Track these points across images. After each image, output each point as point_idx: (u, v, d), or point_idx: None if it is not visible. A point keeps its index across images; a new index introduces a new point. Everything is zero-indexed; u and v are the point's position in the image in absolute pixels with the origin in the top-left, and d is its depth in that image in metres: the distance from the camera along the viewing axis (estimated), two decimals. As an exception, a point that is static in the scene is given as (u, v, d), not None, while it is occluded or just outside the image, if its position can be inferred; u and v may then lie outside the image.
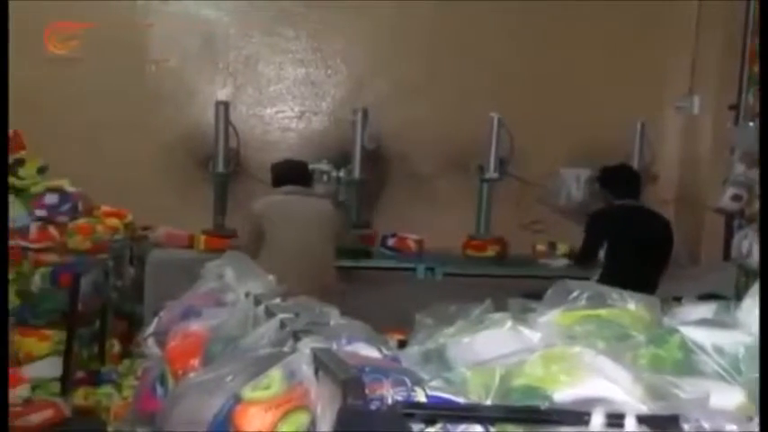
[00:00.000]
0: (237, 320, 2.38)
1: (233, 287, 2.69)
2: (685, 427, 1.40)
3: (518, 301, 1.96)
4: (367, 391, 1.50)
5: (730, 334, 1.73)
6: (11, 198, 5.43)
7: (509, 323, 1.82)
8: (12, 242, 5.27)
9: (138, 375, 4.15)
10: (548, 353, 1.59)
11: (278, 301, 2.44)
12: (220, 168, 7.01)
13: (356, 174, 7.12)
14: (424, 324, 2.00)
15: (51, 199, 5.79)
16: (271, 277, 2.72)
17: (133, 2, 7.48)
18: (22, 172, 5.72)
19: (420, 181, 7.63)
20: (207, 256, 3.94)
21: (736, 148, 6.24)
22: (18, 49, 5.65)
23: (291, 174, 5.93)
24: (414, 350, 1.91)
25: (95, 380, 5.62)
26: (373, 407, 1.48)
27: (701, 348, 1.69)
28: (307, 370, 1.70)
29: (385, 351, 1.85)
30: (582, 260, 6.14)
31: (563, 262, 6.97)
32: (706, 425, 1.40)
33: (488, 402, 1.52)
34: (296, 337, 1.95)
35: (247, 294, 2.54)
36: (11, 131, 5.36)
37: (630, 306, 1.86)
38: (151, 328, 2.81)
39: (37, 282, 5.58)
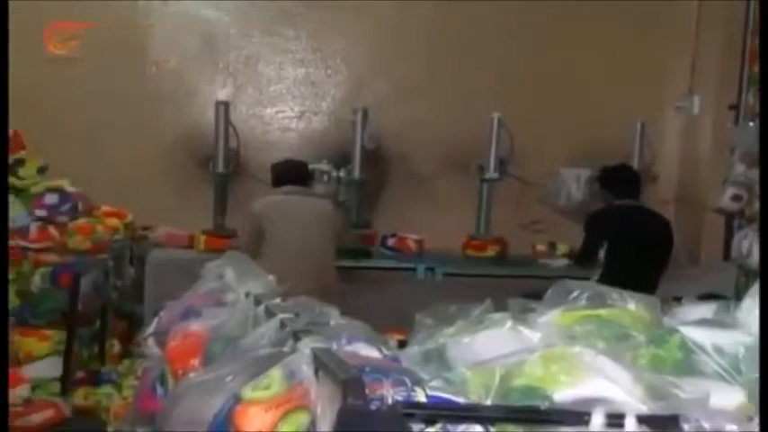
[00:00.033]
0: (237, 320, 2.38)
1: (233, 287, 2.69)
2: (685, 427, 1.40)
3: (518, 301, 1.96)
4: (367, 391, 1.50)
5: (730, 334, 1.73)
6: (11, 198, 5.43)
7: (509, 323, 1.82)
8: (12, 242, 5.27)
9: (138, 375, 4.15)
10: (548, 353, 1.59)
11: (278, 301, 2.44)
12: (220, 168, 7.00)
13: (356, 174, 7.11)
14: (424, 324, 2.00)
15: (51, 199, 5.79)
16: (271, 277, 2.71)
17: (133, 2, 7.47)
18: (22, 172, 5.72)
19: (420, 181, 7.63)
20: (207, 256, 3.94)
21: (736, 148, 6.24)
22: (18, 49, 5.65)
23: (291, 174, 5.93)
24: (414, 350, 1.91)
25: (95, 380, 5.62)
26: (373, 407, 1.48)
27: (701, 348, 1.69)
28: (307, 370, 1.70)
29: (385, 351, 1.85)
30: (582, 260, 6.14)
31: (563, 262, 6.97)
32: (706, 425, 1.40)
33: (488, 402, 1.52)
34: (296, 337, 1.95)
35: (247, 294, 2.53)
36: (11, 131, 5.36)
37: (630, 306, 1.86)
38: (151, 328, 2.81)
39: (37, 282, 5.58)
